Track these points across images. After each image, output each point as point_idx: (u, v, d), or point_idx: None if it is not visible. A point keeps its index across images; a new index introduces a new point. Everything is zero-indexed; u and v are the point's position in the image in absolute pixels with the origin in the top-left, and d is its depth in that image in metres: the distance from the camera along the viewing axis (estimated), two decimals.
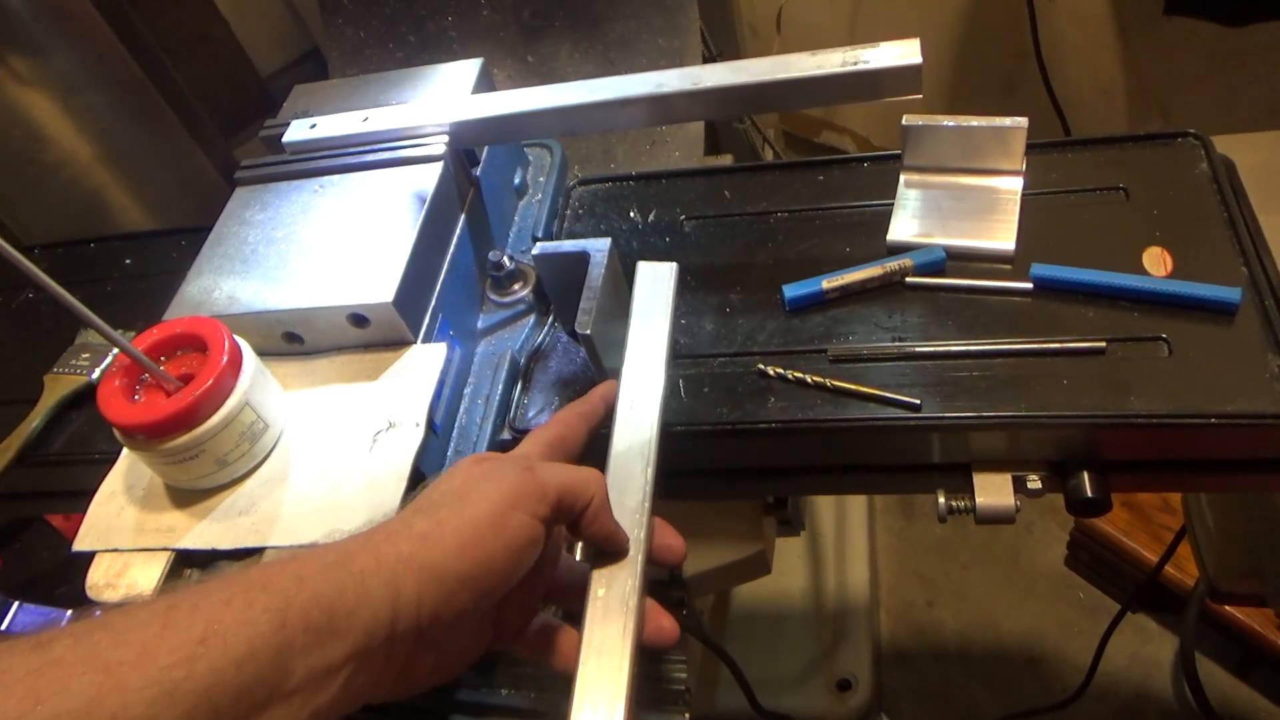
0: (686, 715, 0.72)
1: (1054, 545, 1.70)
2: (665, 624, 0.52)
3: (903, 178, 0.73)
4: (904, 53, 0.60)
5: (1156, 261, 0.63)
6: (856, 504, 1.65)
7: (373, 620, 0.41)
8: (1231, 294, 0.59)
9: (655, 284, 0.63)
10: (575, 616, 0.51)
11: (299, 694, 0.39)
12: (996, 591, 1.68)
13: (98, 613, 0.39)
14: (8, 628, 0.55)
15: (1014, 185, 0.70)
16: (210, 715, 0.36)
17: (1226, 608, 1.41)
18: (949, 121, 0.70)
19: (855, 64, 0.60)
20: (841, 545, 1.59)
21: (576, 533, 0.51)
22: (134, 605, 0.38)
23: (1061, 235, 0.67)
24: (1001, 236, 0.67)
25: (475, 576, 0.44)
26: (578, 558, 0.56)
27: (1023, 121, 0.68)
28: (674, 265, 0.63)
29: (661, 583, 0.76)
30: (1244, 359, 0.57)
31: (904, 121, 0.71)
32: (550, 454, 0.54)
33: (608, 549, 0.51)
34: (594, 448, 0.57)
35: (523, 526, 0.46)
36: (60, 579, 1.11)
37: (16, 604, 0.58)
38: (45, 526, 1.13)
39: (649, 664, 0.73)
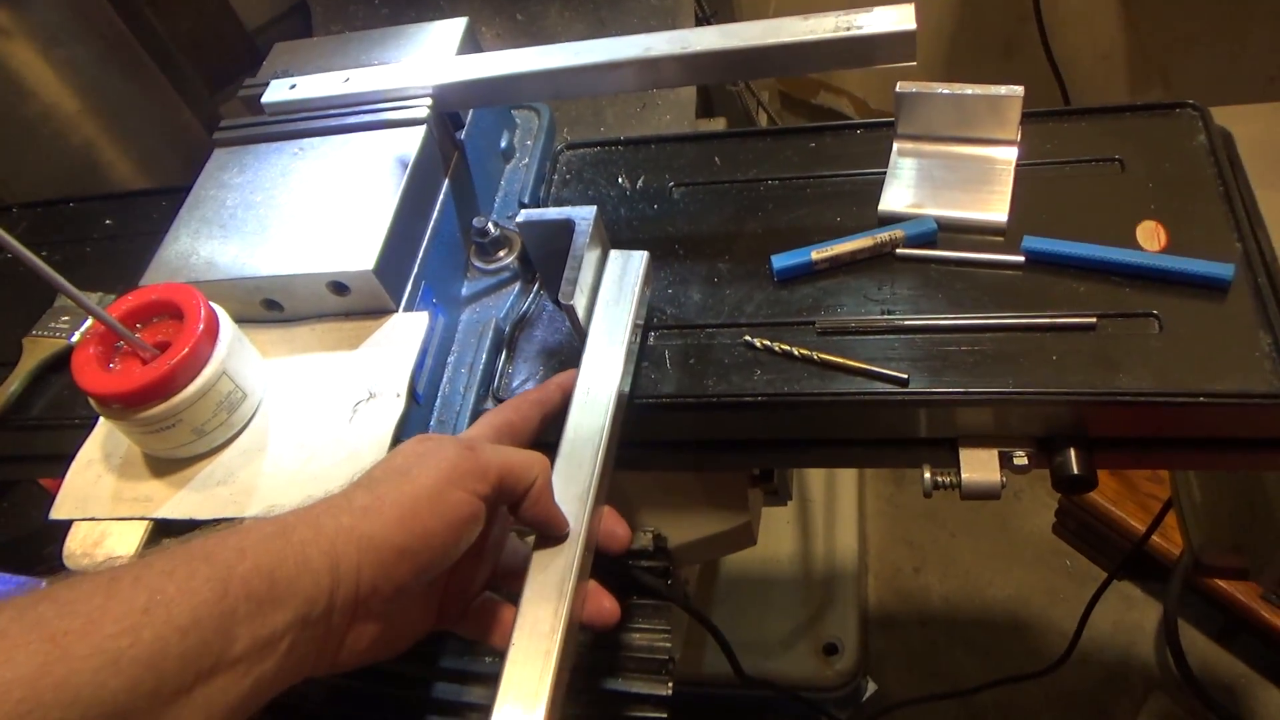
0: (669, 684, 0.73)
1: (1042, 513, 1.71)
2: (606, 605, 0.53)
3: (896, 146, 0.71)
4: (898, 18, 0.58)
5: (1150, 235, 0.62)
6: (847, 471, 1.65)
7: (313, 588, 0.42)
8: (1224, 270, 0.59)
9: (624, 274, 0.63)
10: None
11: (243, 662, 0.39)
12: (984, 558, 1.69)
13: (44, 583, 0.40)
14: None
15: (1008, 155, 0.69)
16: (155, 682, 0.36)
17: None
18: (944, 89, 0.68)
19: (848, 29, 0.59)
20: (831, 511, 1.59)
21: (517, 514, 0.51)
22: (77, 578, 0.38)
23: (1055, 207, 0.66)
24: (994, 208, 0.66)
25: (414, 549, 0.45)
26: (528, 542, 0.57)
27: (1018, 90, 0.67)
28: (644, 254, 0.63)
29: (646, 552, 0.76)
30: (1235, 337, 0.57)
31: (898, 89, 0.69)
32: (497, 438, 0.54)
33: (547, 533, 0.52)
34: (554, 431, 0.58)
35: (462, 503, 0.47)
36: (48, 538, 1.11)
37: None
38: (33, 486, 1.13)
39: (634, 634, 0.73)
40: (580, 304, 0.59)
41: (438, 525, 0.46)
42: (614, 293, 0.62)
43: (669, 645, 0.75)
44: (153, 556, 0.40)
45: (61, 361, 0.74)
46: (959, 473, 0.61)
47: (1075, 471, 0.59)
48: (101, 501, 0.58)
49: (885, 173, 0.70)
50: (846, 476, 1.65)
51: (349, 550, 0.43)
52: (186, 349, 0.54)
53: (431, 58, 0.71)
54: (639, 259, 0.63)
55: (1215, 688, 1.45)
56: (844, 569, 1.54)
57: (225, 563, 0.40)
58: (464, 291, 0.71)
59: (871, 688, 1.55)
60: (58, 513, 0.58)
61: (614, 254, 0.64)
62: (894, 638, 1.63)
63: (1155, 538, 1.29)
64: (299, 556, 0.42)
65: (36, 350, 0.74)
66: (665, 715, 0.72)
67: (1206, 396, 0.55)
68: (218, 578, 0.39)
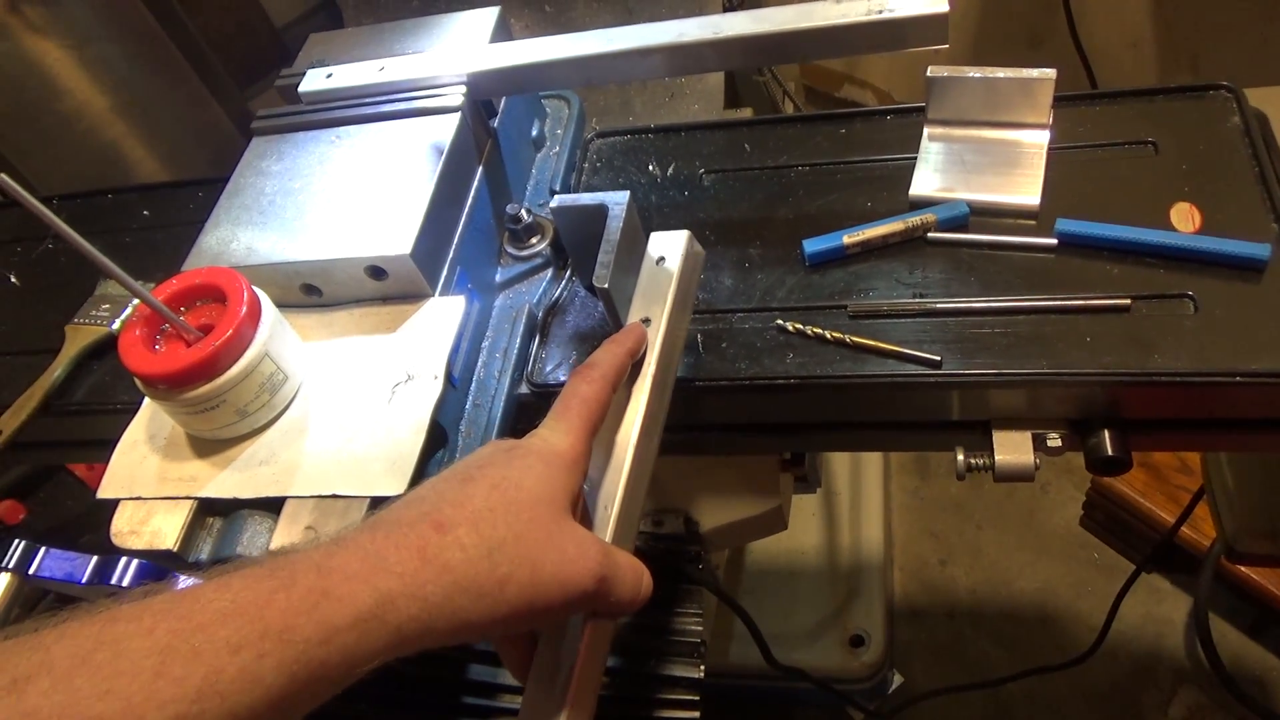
0: (701, 667, 0.73)
1: (1069, 505, 1.70)
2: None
3: (926, 131, 0.71)
4: (930, 1, 0.58)
5: (1184, 217, 0.62)
6: (872, 462, 1.65)
7: (397, 655, 0.39)
8: (1260, 250, 0.58)
9: (665, 255, 0.61)
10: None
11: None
12: (1010, 551, 1.69)
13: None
14: (35, 573, 0.56)
15: (1040, 139, 0.69)
16: None
17: (1241, 568, 1.41)
18: (975, 73, 0.68)
19: (880, 12, 0.59)
20: (856, 503, 1.59)
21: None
22: (127, 635, 0.34)
23: (1088, 190, 0.66)
24: (1026, 191, 0.66)
25: (501, 629, 0.43)
26: None
27: (1050, 73, 0.67)
28: (685, 233, 0.61)
29: (678, 537, 0.77)
30: (1271, 316, 0.57)
31: (929, 73, 0.69)
32: (591, 435, 0.51)
33: None
34: None
35: (561, 614, 0.46)
36: (84, 527, 1.13)
37: (43, 549, 0.60)
38: (68, 476, 1.15)
39: (666, 618, 0.74)
40: (616, 286, 0.59)
41: (532, 624, 0.45)
42: (652, 275, 0.61)
43: (700, 629, 0.75)
44: (221, 607, 0.35)
45: (103, 348, 0.76)
46: (992, 454, 0.61)
47: (1110, 453, 0.59)
48: (147, 481, 0.59)
49: (916, 158, 0.70)
50: (872, 468, 1.65)
51: (445, 627, 0.40)
52: (230, 331, 0.55)
53: (465, 46, 0.72)
54: (678, 238, 0.62)
55: (1247, 681, 1.44)
56: (870, 561, 1.54)
57: (304, 644, 0.35)
58: (497, 278, 0.72)
59: (898, 680, 1.55)
60: (105, 492, 0.59)
61: (654, 236, 0.63)
62: (920, 630, 1.63)
63: (1185, 529, 1.28)
64: (394, 642, 0.38)
65: (78, 337, 0.76)
66: (697, 697, 0.72)
67: (1243, 376, 0.55)
68: (290, 662, 0.35)
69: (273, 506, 0.57)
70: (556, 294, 0.70)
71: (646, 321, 0.58)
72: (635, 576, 0.48)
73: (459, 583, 0.40)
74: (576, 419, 0.49)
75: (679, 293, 0.60)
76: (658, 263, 0.61)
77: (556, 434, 0.48)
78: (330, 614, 0.36)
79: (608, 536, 0.50)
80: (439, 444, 0.60)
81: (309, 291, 0.65)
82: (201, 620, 0.35)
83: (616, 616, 0.49)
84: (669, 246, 0.61)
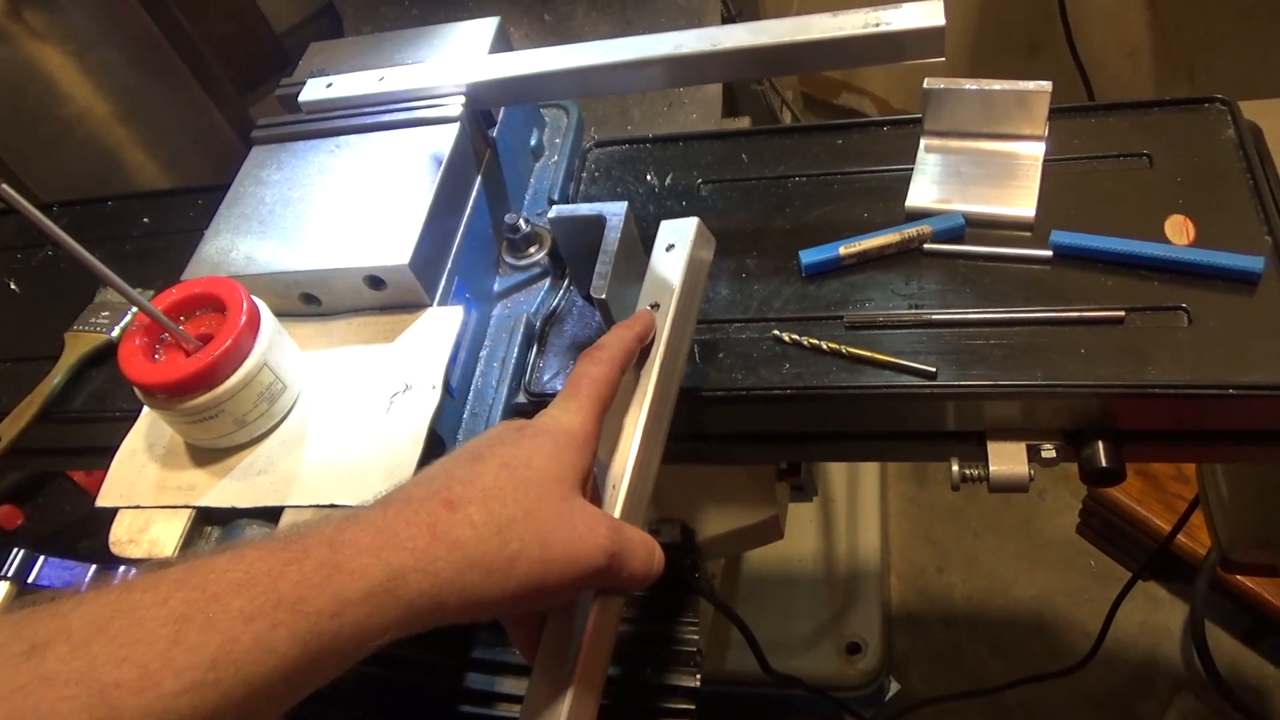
0: (698, 675, 0.74)
1: (1066, 513, 1.70)
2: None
3: (923, 142, 0.72)
4: (926, 14, 0.59)
5: (1179, 229, 0.63)
6: (869, 469, 1.66)
7: (402, 635, 0.39)
8: (1254, 263, 0.59)
9: (674, 242, 0.61)
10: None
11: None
12: (1007, 558, 1.69)
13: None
14: (34, 581, 0.57)
15: (1036, 151, 0.69)
16: None
17: (1237, 577, 1.41)
18: (971, 85, 0.69)
19: (877, 25, 0.59)
20: (853, 510, 1.59)
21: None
22: (143, 604, 0.34)
23: (1083, 202, 0.66)
24: (1022, 203, 0.67)
25: (510, 610, 0.44)
26: None
27: (1046, 85, 0.67)
28: (694, 220, 0.61)
29: (675, 546, 0.77)
30: (1265, 329, 0.57)
31: (925, 85, 0.70)
32: (600, 416, 0.51)
33: None
34: None
35: (571, 592, 0.46)
36: (82, 533, 1.13)
37: (42, 558, 0.60)
38: (67, 482, 1.15)
39: (662, 626, 0.74)
40: (614, 296, 0.60)
41: (543, 602, 0.44)
42: (661, 261, 0.60)
43: (697, 638, 0.76)
44: (235, 578, 0.36)
45: (102, 356, 0.76)
46: (987, 466, 0.61)
47: (1104, 464, 0.59)
48: (146, 490, 0.59)
49: (912, 169, 0.71)
50: (869, 476, 1.65)
51: (455, 603, 0.40)
52: (229, 341, 0.55)
53: (464, 57, 0.72)
54: (688, 224, 0.61)
55: (1242, 689, 1.44)
56: (867, 568, 1.54)
57: (316, 615, 0.36)
58: (495, 287, 0.72)
59: (895, 687, 1.55)
60: (104, 501, 0.59)
61: (664, 224, 0.62)
62: (917, 637, 1.63)
63: (1181, 537, 1.28)
64: (405, 617, 0.38)
65: (78, 345, 0.76)
66: (693, 706, 0.73)
67: (1236, 389, 0.55)
68: (303, 633, 0.35)
69: (271, 516, 0.58)
70: (554, 303, 0.71)
71: (655, 307, 0.58)
72: (647, 551, 0.48)
73: (469, 559, 0.41)
74: (586, 398, 0.50)
75: (688, 278, 0.59)
76: (667, 250, 0.61)
77: (566, 413, 0.49)
78: (342, 587, 0.37)
79: (616, 515, 0.50)
80: (436, 453, 0.60)
81: (308, 301, 0.65)
82: (216, 590, 0.35)
83: (629, 592, 0.49)
84: (679, 233, 0.61)
